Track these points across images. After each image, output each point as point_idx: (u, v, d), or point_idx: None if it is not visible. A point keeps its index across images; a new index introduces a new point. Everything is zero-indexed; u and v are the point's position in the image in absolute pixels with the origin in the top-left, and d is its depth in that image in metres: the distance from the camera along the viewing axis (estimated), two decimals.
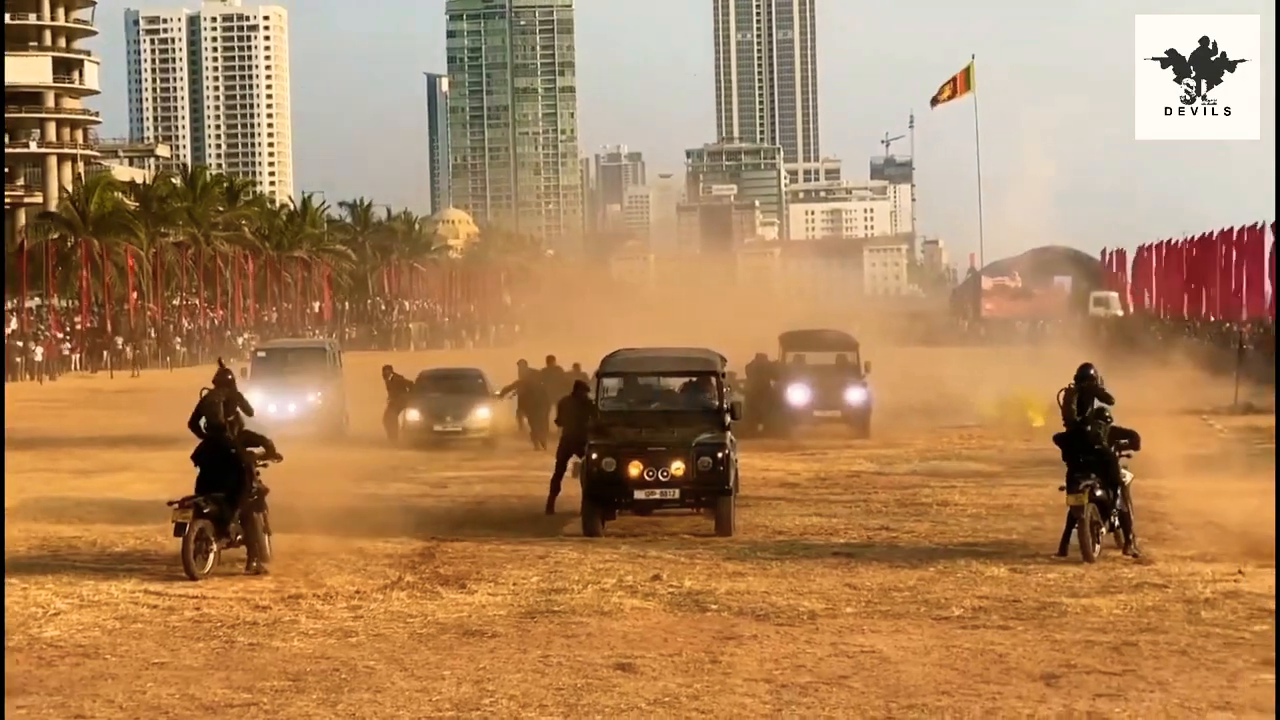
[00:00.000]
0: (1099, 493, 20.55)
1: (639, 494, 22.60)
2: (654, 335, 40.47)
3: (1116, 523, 20.84)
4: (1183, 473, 29.48)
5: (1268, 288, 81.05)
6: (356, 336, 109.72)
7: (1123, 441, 21.34)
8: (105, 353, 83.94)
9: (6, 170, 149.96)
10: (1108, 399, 21.56)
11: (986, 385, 44.77)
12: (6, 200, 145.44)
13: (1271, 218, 65.90)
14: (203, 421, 21.03)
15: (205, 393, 21.28)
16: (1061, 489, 20.98)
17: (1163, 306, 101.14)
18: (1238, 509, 24.51)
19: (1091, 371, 21.74)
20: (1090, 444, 20.96)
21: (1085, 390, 21.45)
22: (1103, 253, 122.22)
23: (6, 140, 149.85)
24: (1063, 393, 21.57)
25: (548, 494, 25.57)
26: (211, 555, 19.78)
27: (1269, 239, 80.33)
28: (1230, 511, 24.22)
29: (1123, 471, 21.16)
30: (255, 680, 14.32)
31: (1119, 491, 20.84)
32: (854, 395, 39.70)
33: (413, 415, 37.74)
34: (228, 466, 20.32)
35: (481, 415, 37.94)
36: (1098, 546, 20.44)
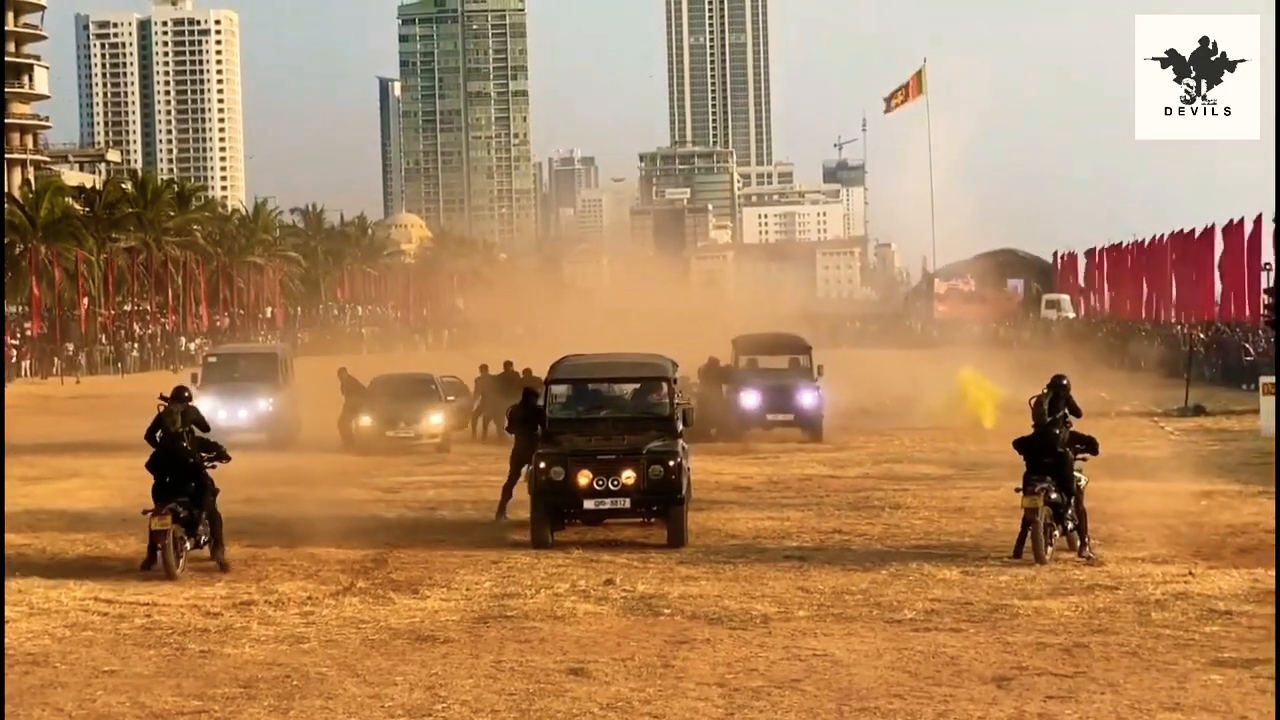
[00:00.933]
0: (1054, 495, 20.63)
1: (589, 503, 22.08)
2: (607, 338, 40.47)
3: (1070, 526, 20.92)
4: (1134, 474, 29.68)
5: (1217, 289, 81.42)
6: (309, 341, 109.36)
7: (1079, 446, 21.43)
8: (56, 359, 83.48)
9: None
10: (1075, 410, 21.69)
11: (938, 388, 44.89)
12: None
13: (1270, 215, 66.33)
14: (158, 434, 21.19)
15: (162, 407, 21.38)
16: (1017, 490, 21.05)
17: (1114, 309, 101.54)
18: (1188, 510, 24.70)
19: (1064, 380, 21.85)
20: (1052, 445, 21.04)
21: (1056, 397, 21.52)
22: (1054, 255, 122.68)
23: None
24: (1034, 399, 21.62)
25: (499, 499, 25.31)
26: (184, 557, 20.29)
27: (1219, 242, 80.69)
28: (1181, 513, 24.40)
29: (1077, 475, 21.25)
30: (206, 688, 14.26)
31: (1074, 495, 20.92)
32: (806, 399, 39.74)
33: (365, 421, 37.66)
34: (185, 472, 20.86)
35: (434, 421, 37.89)
36: (1050, 549, 20.52)
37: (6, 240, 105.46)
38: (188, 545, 20.44)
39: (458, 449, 37.43)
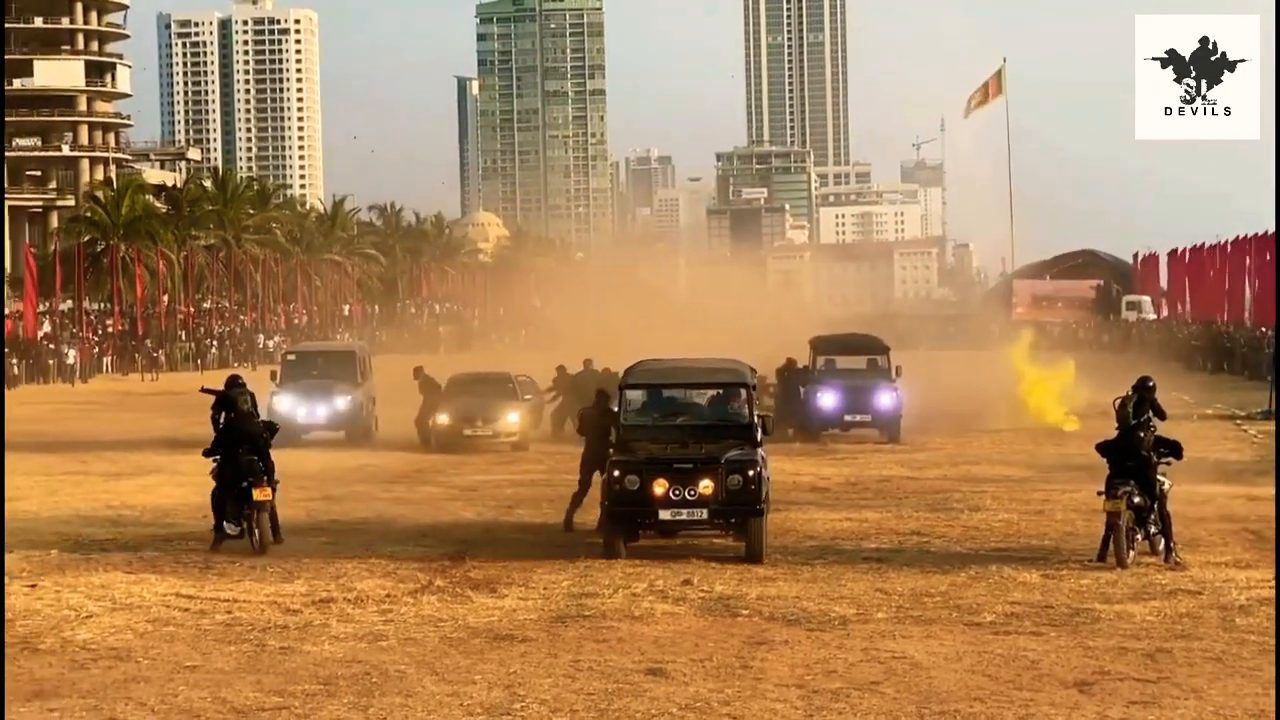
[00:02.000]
0: (1136, 499, 20.44)
1: (665, 514, 21.11)
2: (683, 339, 40.45)
3: (1154, 530, 20.74)
4: (1217, 478, 29.43)
5: None
6: (386, 339, 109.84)
7: (1163, 450, 21.18)
8: (136, 355, 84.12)
9: (40, 173, 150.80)
10: (1160, 413, 21.48)
11: (1018, 390, 44.62)
12: (40, 203, 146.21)
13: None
14: (223, 417, 22.93)
15: (220, 393, 23.20)
16: (1099, 494, 20.87)
17: (1196, 310, 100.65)
18: (1272, 515, 24.41)
19: (1150, 383, 21.67)
20: (1136, 449, 20.82)
21: (1141, 400, 21.32)
22: (1134, 256, 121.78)
23: (39, 144, 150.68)
24: (1119, 400, 21.41)
25: (567, 508, 24.44)
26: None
27: None
28: (1265, 517, 24.14)
29: (1161, 479, 21.02)
30: (286, 684, 14.32)
31: (1157, 499, 20.72)
32: (884, 400, 39.58)
33: (442, 419, 37.73)
34: (257, 451, 22.55)
35: (511, 419, 37.87)
36: (1132, 553, 20.35)
37: (88, 238, 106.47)
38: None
39: (535, 448, 37.47)
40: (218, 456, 22.59)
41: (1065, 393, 43.47)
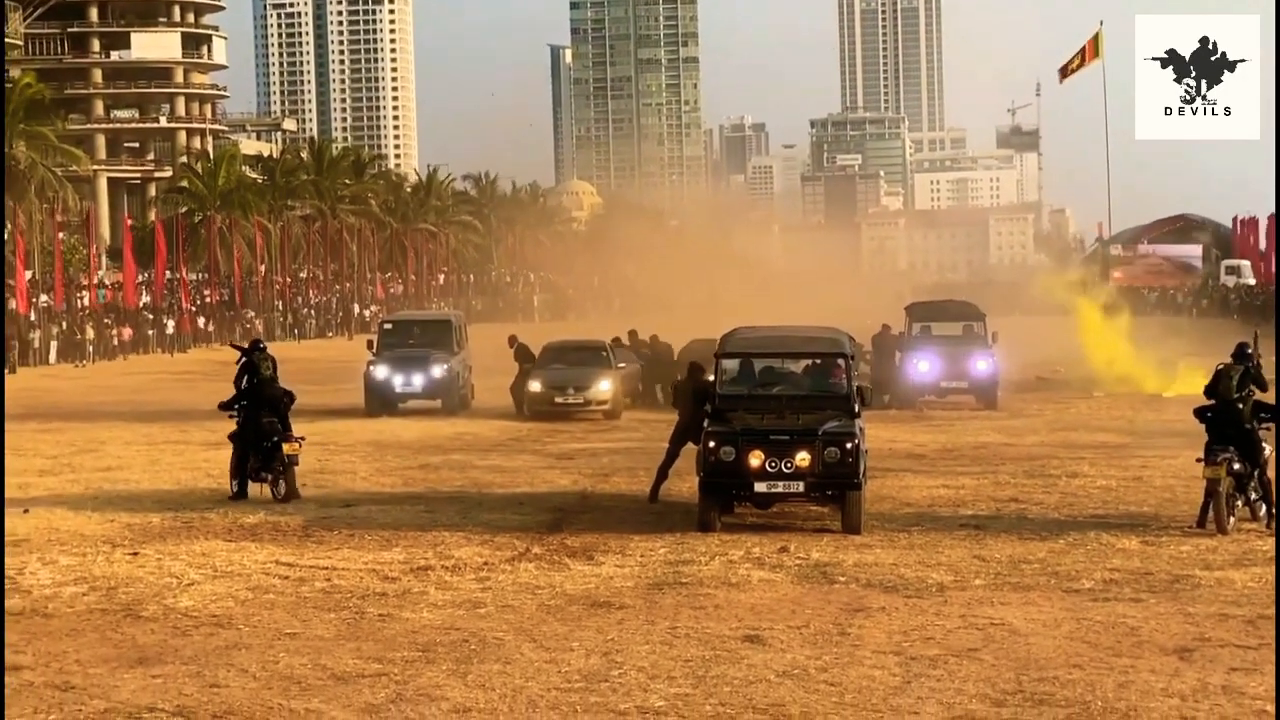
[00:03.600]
0: (1236, 466, 20.25)
1: (760, 486, 20.68)
2: (779, 306, 40.38)
3: (1255, 496, 20.55)
4: None
5: None
6: (482, 308, 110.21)
7: (1263, 415, 20.94)
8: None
9: (138, 145, 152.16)
10: (1261, 384, 21.11)
11: (1117, 355, 44.32)
12: (138, 175, 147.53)
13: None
14: (246, 380, 24.55)
15: (245, 351, 25.02)
16: (1198, 460, 20.69)
17: None
18: None
19: (1249, 350, 21.21)
20: (1238, 421, 20.55)
21: (1246, 372, 20.97)
22: (1234, 220, 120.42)
23: (137, 116, 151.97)
24: (1219, 367, 21.06)
25: (653, 480, 24.23)
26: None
27: None
28: None
29: (1263, 445, 20.79)
30: (386, 651, 14.41)
31: (1258, 466, 20.51)
32: (981, 366, 39.42)
33: (534, 386, 37.87)
34: (277, 411, 24.20)
35: (603, 387, 37.93)
36: (1233, 519, 20.19)
37: (185, 209, 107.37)
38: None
39: (630, 416, 37.54)
40: (238, 417, 24.30)
41: (1164, 359, 43.18)
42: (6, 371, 54.47)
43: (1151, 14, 24.25)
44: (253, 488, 24.06)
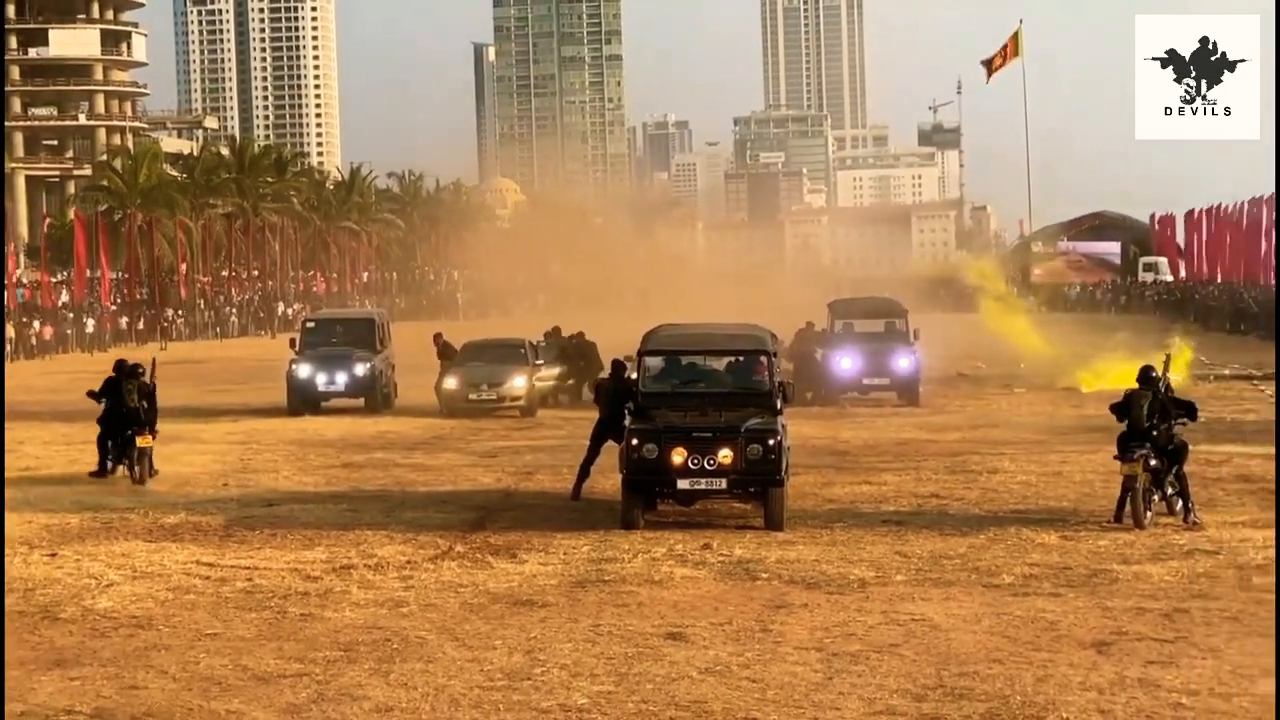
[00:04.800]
0: (1153, 461, 20.41)
1: (683, 483, 20.70)
2: (702, 303, 40.45)
3: (1170, 490, 20.70)
4: (1234, 439, 29.43)
5: None
6: (405, 306, 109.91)
7: (1178, 412, 21.07)
8: (158, 324, 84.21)
9: (56, 142, 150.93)
10: (1169, 412, 20.78)
11: (1036, 351, 44.62)
12: (57, 172, 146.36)
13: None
14: (104, 400, 26.76)
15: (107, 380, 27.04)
16: (1116, 458, 20.85)
17: (1213, 271, 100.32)
18: None
19: (1154, 374, 21.05)
20: (1151, 437, 20.54)
21: (1152, 398, 20.79)
22: (1151, 217, 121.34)
23: (55, 113, 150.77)
24: (1129, 392, 20.92)
25: (576, 477, 24.09)
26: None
27: None
28: None
29: (1179, 437, 20.88)
30: (307, 650, 14.38)
31: (1177, 462, 20.63)
32: (903, 363, 39.53)
33: (449, 384, 37.82)
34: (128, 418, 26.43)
35: (517, 384, 37.87)
36: (1150, 514, 20.36)
37: (105, 207, 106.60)
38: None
39: (553, 414, 37.52)
40: (105, 402, 26.65)
41: (1081, 355, 43.50)
42: None
43: (1151, 14, 24.35)
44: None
